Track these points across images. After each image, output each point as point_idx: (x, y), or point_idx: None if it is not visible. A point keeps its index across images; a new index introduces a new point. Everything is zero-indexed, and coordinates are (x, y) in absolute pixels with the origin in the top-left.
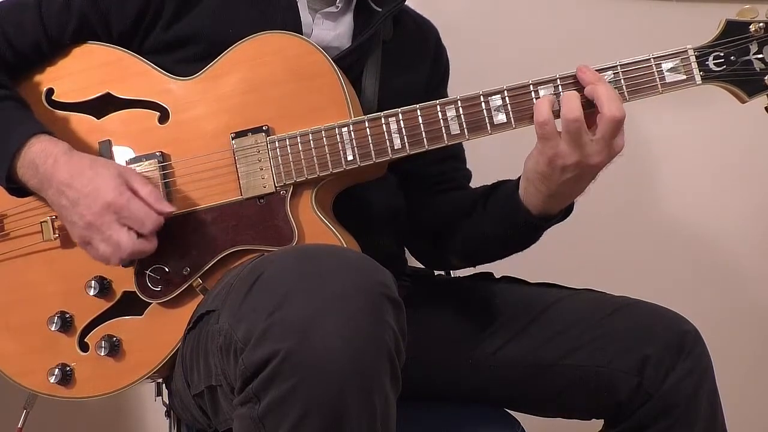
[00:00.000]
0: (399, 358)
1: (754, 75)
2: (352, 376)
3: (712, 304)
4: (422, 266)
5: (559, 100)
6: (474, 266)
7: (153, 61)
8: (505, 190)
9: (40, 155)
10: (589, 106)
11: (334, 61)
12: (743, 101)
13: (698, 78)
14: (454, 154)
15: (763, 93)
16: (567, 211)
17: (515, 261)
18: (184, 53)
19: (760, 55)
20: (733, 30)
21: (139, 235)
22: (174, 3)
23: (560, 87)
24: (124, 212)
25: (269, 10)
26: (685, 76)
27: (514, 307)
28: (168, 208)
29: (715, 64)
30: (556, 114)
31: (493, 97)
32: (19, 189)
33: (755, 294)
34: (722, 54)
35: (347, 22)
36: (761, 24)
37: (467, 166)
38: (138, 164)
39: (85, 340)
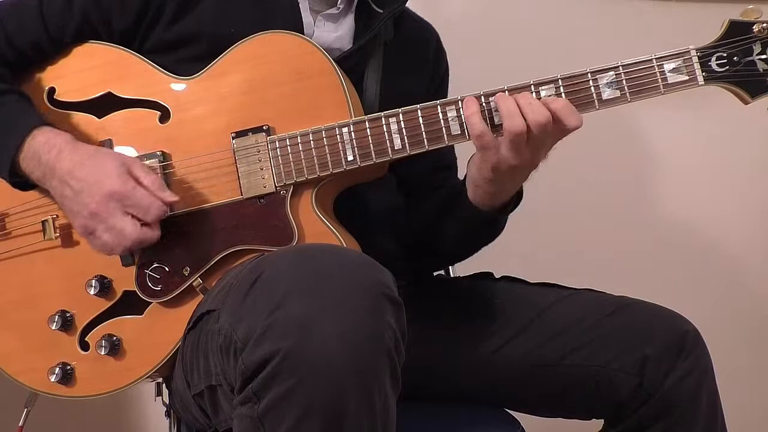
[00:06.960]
0: (399, 358)
1: (757, 76)
2: (351, 375)
3: (712, 304)
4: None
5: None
6: (452, 264)
7: (154, 61)
8: (459, 193)
9: (43, 146)
10: None
11: (335, 63)
12: (746, 102)
13: (701, 79)
14: (448, 165)
15: (767, 94)
16: (519, 196)
17: (515, 261)
18: (186, 53)
19: (764, 56)
20: (737, 30)
21: (143, 224)
22: (175, 2)
23: (561, 87)
24: (128, 200)
25: (271, 11)
26: (687, 77)
27: (514, 307)
28: (171, 197)
29: (717, 64)
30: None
31: (494, 97)
32: (22, 182)
33: (755, 294)
34: (725, 54)
35: (348, 23)
36: (765, 24)
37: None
38: None
39: (86, 339)
